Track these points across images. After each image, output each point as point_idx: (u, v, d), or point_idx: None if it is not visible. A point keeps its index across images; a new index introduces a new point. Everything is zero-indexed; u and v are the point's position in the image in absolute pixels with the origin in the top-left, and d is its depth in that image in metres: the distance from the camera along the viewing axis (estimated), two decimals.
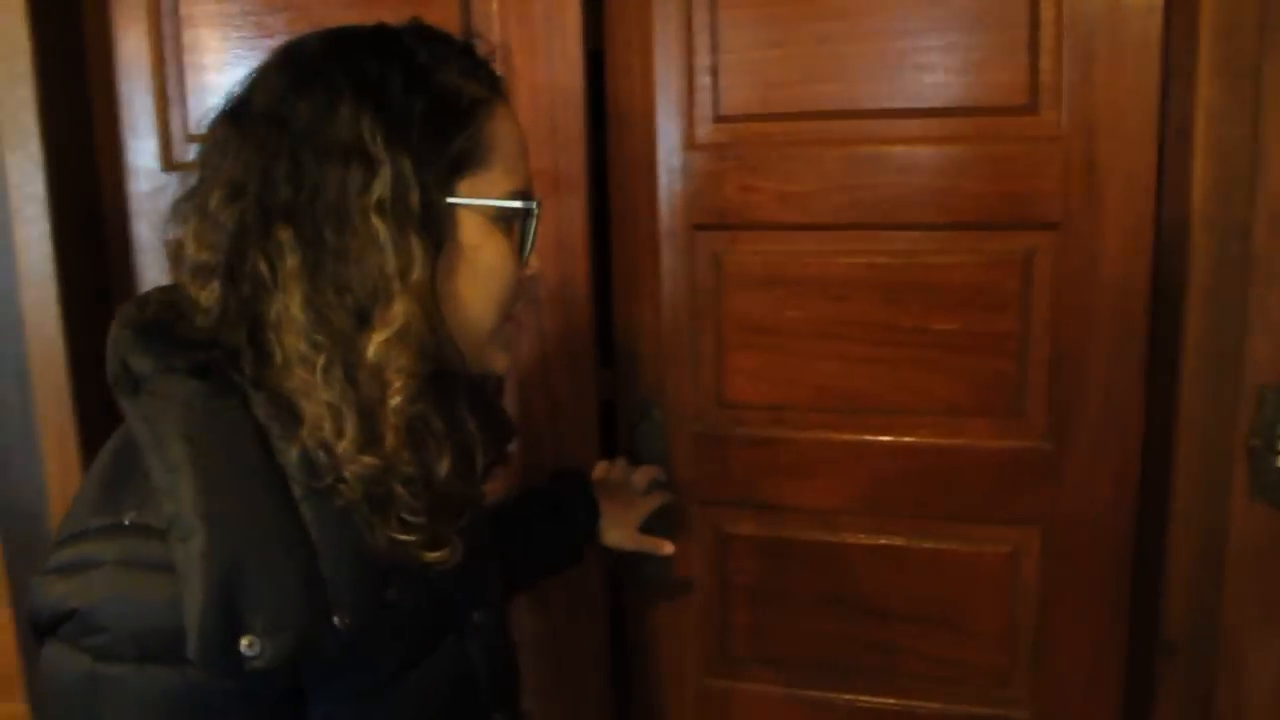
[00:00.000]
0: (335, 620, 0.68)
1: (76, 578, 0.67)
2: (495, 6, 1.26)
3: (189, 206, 0.74)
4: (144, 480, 0.69)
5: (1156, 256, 1.16)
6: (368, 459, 0.69)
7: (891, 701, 1.33)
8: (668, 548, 1.24)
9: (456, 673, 0.85)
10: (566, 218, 1.29)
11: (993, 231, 1.20)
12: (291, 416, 0.69)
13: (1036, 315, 1.20)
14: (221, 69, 1.38)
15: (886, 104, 1.21)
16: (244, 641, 0.65)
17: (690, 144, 1.28)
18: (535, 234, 0.81)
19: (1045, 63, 1.16)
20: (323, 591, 0.68)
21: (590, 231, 1.30)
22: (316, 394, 0.69)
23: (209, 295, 0.71)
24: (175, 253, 0.75)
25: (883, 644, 1.32)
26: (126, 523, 0.68)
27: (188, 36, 1.39)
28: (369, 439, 0.69)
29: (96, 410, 1.47)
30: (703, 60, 1.26)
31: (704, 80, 1.26)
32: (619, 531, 1.24)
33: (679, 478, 1.35)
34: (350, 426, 0.69)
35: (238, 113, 0.74)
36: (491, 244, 0.77)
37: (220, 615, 0.65)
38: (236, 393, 0.70)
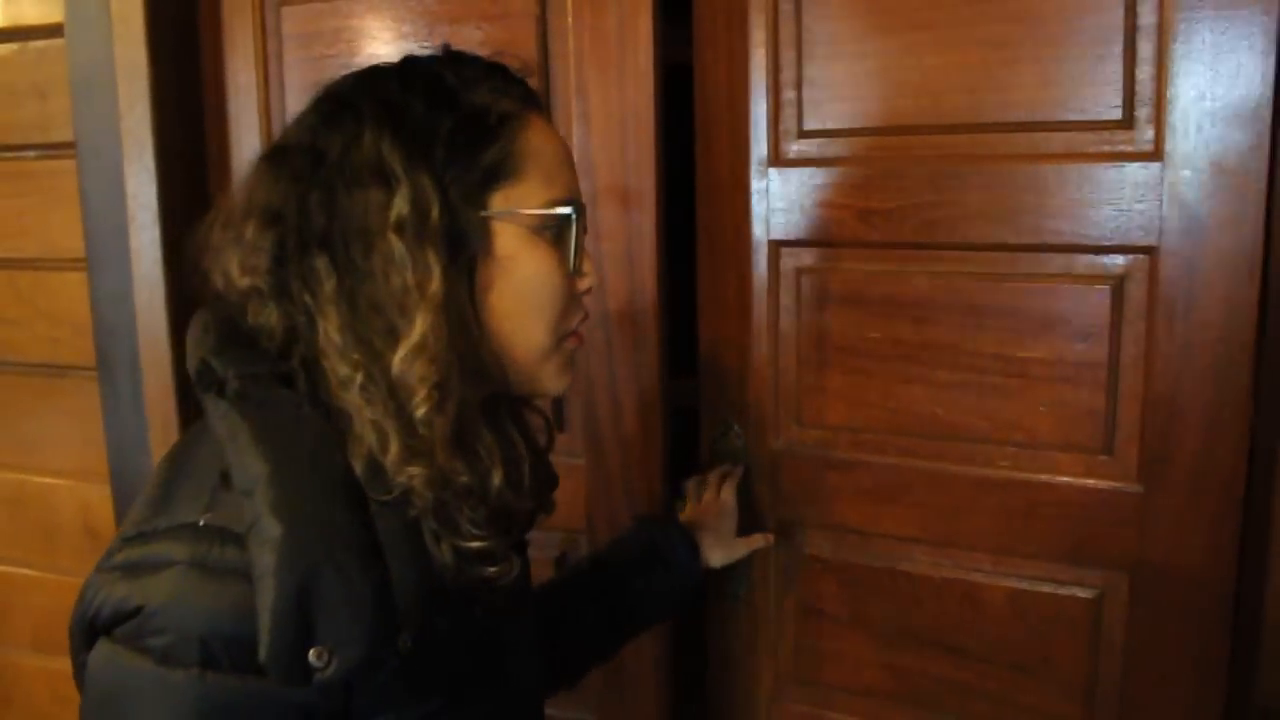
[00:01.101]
0: (400, 640, 0.68)
1: (144, 578, 0.66)
2: (570, 22, 1.28)
3: (225, 237, 0.76)
4: (221, 482, 0.69)
5: (1267, 286, 1.06)
6: (414, 469, 0.70)
7: None
8: (770, 538, 1.26)
9: (497, 704, 0.84)
10: (636, 234, 1.30)
11: (1083, 254, 1.13)
12: (351, 433, 0.71)
13: (1129, 346, 1.12)
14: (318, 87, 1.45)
15: (971, 118, 1.16)
16: (313, 652, 0.65)
17: (774, 159, 1.27)
18: (582, 243, 0.80)
19: (1142, 73, 1.08)
20: (394, 610, 0.68)
21: (660, 248, 1.31)
22: (362, 412, 0.70)
23: (269, 316, 0.74)
24: (209, 280, 0.77)
25: (957, 683, 1.26)
26: (201, 524, 0.67)
27: (290, 58, 1.46)
28: (413, 450, 0.70)
29: (199, 407, 1.58)
30: (788, 75, 1.25)
31: (789, 95, 1.25)
32: (721, 550, 1.22)
33: (757, 494, 1.34)
34: (393, 439, 0.70)
35: (274, 151, 0.77)
36: (532, 254, 0.77)
37: (294, 622, 0.64)
38: (314, 402, 0.72)
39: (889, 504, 1.26)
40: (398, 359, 0.70)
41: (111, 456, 1.66)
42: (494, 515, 0.74)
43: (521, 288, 0.77)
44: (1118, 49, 1.08)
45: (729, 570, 1.30)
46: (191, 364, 0.75)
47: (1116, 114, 1.09)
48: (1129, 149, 1.09)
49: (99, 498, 1.71)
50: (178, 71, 1.55)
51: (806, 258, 1.27)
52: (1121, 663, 1.16)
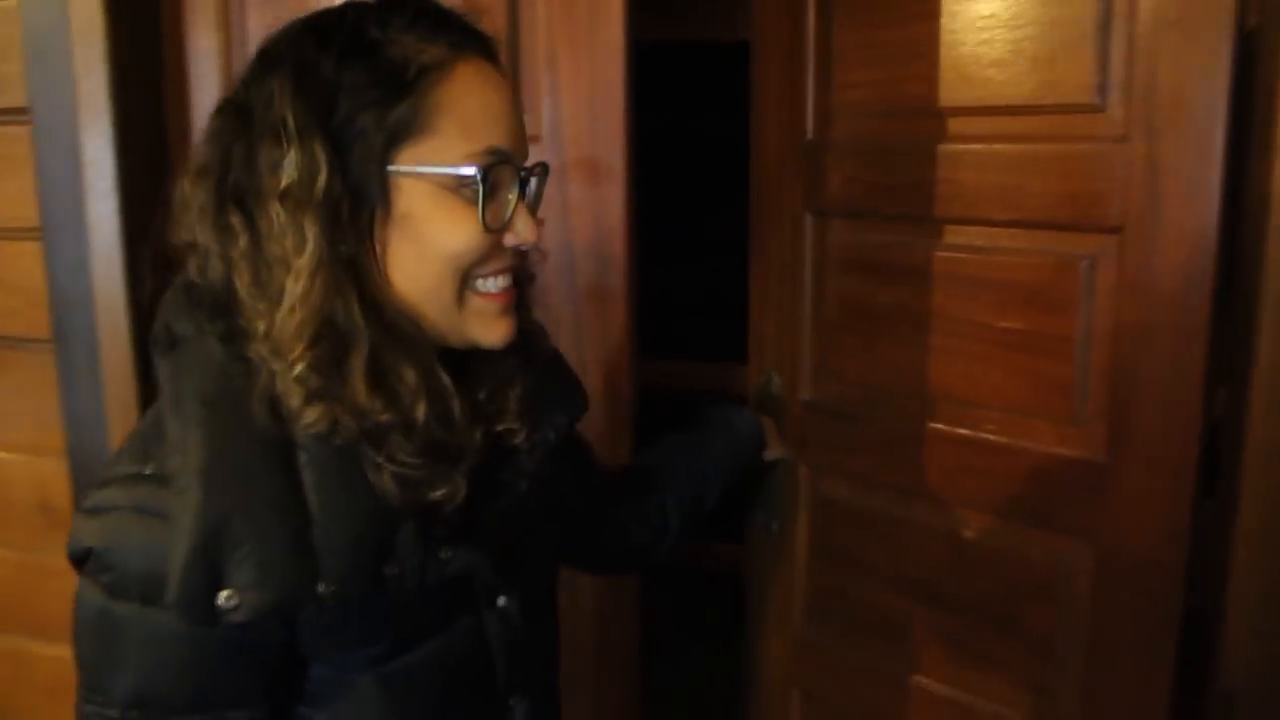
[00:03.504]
0: (320, 588, 0.72)
1: (98, 519, 0.74)
2: None
3: (182, 189, 0.79)
4: (163, 433, 0.75)
5: (1227, 266, 1.10)
6: (312, 412, 0.73)
7: (953, 692, 1.34)
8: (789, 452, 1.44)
9: (468, 655, 0.87)
10: (605, 208, 1.35)
11: (1058, 232, 1.17)
12: (267, 382, 0.74)
13: (1098, 321, 1.16)
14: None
15: (962, 102, 1.23)
16: (223, 595, 0.69)
17: (809, 134, 1.38)
18: (518, 198, 0.80)
19: (1115, 56, 1.11)
20: (311, 559, 0.72)
21: (630, 222, 1.38)
22: (269, 363, 0.74)
23: (212, 271, 0.77)
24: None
25: (943, 630, 1.34)
26: (147, 472, 0.74)
27: (253, 23, 1.42)
28: (307, 396, 0.73)
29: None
30: (819, 58, 1.35)
31: (819, 77, 1.36)
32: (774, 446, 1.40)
33: (791, 440, 1.47)
34: (292, 386, 0.73)
35: (222, 101, 0.80)
36: (436, 212, 0.77)
37: (202, 566, 0.69)
38: (241, 359, 0.75)
39: (891, 457, 1.36)
40: (279, 316, 0.73)
41: (68, 431, 1.62)
42: (428, 446, 0.77)
43: (423, 247, 0.77)
44: (1092, 30, 1.11)
45: (765, 504, 1.48)
46: (155, 327, 0.80)
47: (1091, 98, 1.13)
48: (1103, 132, 1.13)
49: (54, 473, 1.67)
50: (136, 34, 1.51)
51: (830, 226, 1.38)
52: (1088, 629, 1.21)
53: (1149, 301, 1.11)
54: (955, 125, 1.24)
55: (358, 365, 0.74)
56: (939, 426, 1.30)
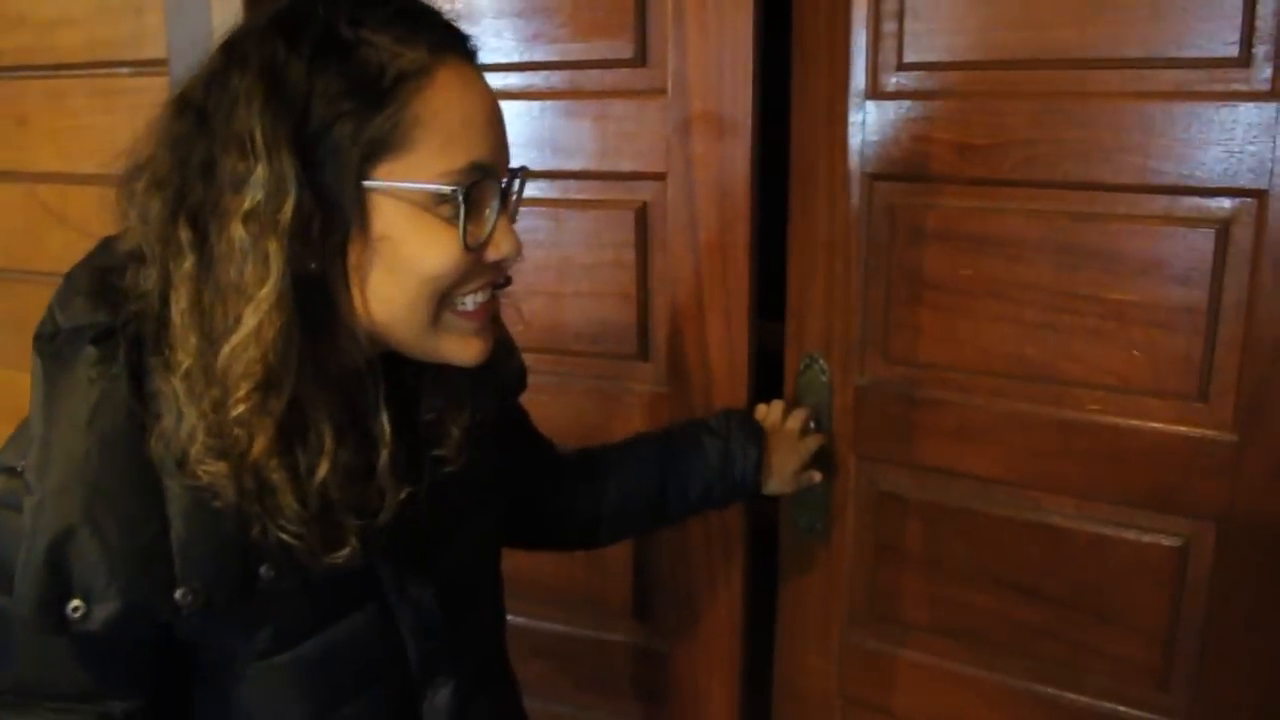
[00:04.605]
0: (178, 594, 0.68)
1: None
2: None
3: (130, 187, 0.73)
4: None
5: None
6: (213, 466, 0.68)
7: (1037, 687, 1.26)
8: (816, 477, 1.26)
9: (371, 641, 0.82)
10: (730, 164, 1.27)
11: (1187, 196, 1.10)
12: (161, 413, 0.69)
13: (1231, 291, 1.09)
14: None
15: (1077, 54, 1.12)
16: (71, 604, 0.67)
17: (871, 92, 1.24)
18: (499, 211, 0.75)
19: (1263, 8, 1.04)
20: (166, 565, 0.68)
21: (754, 179, 1.28)
22: (178, 399, 0.69)
23: (146, 280, 0.71)
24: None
25: (1033, 626, 1.25)
26: (19, 468, 0.70)
27: None
28: (216, 449, 0.68)
29: None
30: (889, 6, 1.21)
31: (889, 26, 1.22)
32: (778, 480, 1.23)
33: (839, 430, 1.33)
34: (200, 433, 0.68)
35: (175, 100, 0.73)
36: (416, 233, 0.71)
37: (49, 575, 0.67)
38: (128, 369, 0.70)
39: (972, 444, 1.25)
40: (224, 351, 0.68)
41: None
42: (323, 510, 0.72)
43: (399, 269, 0.72)
44: None
45: (804, 503, 1.34)
46: (46, 314, 0.73)
47: (1233, 51, 1.06)
48: (1244, 88, 1.06)
49: None
50: None
51: (900, 192, 1.25)
52: (1204, 613, 1.15)
53: None
54: (1063, 79, 1.13)
55: (274, 411, 0.69)
56: (1031, 408, 1.20)
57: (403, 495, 0.76)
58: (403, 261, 0.71)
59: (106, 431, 0.69)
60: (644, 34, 1.33)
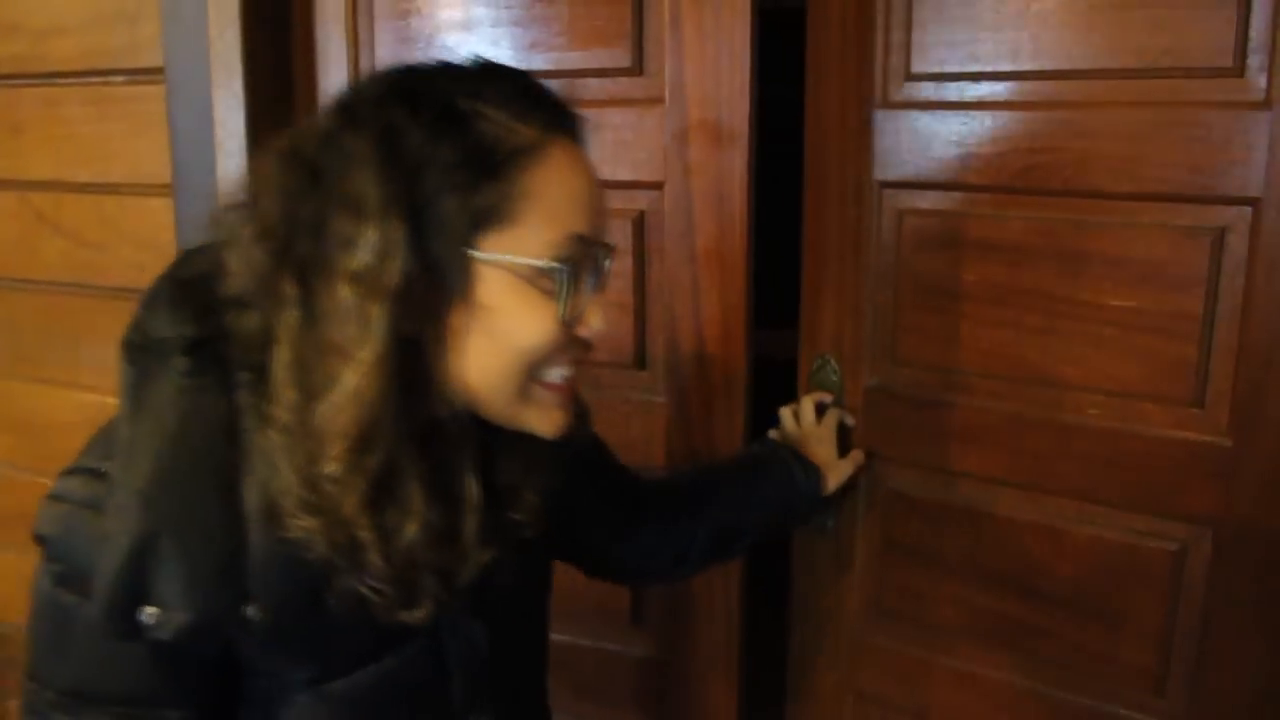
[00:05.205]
0: (249, 612, 0.69)
1: (55, 507, 0.72)
2: None
3: (233, 224, 0.73)
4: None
5: None
6: (307, 522, 0.69)
7: (1039, 687, 1.28)
8: (860, 456, 1.32)
9: (419, 675, 0.83)
10: (727, 171, 1.29)
11: (1183, 204, 1.11)
12: (256, 461, 0.70)
13: (1227, 298, 1.11)
14: (406, 16, 1.48)
15: (1074, 64, 1.14)
16: (147, 611, 0.68)
17: (880, 101, 1.27)
18: (593, 290, 0.76)
19: (1256, 20, 1.06)
20: (240, 583, 0.69)
21: (750, 187, 1.30)
22: (275, 452, 0.69)
23: (248, 321, 0.71)
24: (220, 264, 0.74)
25: (1034, 626, 1.27)
26: (104, 469, 0.71)
27: None
28: (311, 505, 0.69)
29: None
30: (898, 16, 1.24)
31: (897, 37, 1.24)
32: (832, 474, 1.27)
33: (848, 428, 1.36)
34: (296, 487, 0.69)
35: (287, 151, 0.73)
36: (518, 306, 0.72)
37: (128, 581, 0.67)
38: (219, 385, 0.71)
39: (975, 445, 1.27)
40: (321, 409, 0.68)
41: None
42: (404, 568, 0.72)
43: (497, 339, 0.72)
44: None
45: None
46: (129, 325, 0.74)
47: (1228, 61, 1.07)
48: (1239, 98, 1.08)
49: None
50: None
51: (909, 199, 1.27)
52: (1200, 617, 1.16)
53: None
54: (1063, 89, 1.15)
55: (368, 469, 0.69)
56: (1032, 412, 1.22)
57: (485, 559, 0.77)
58: (501, 332, 0.72)
59: (196, 446, 0.69)
60: (641, 43, 1.35)
